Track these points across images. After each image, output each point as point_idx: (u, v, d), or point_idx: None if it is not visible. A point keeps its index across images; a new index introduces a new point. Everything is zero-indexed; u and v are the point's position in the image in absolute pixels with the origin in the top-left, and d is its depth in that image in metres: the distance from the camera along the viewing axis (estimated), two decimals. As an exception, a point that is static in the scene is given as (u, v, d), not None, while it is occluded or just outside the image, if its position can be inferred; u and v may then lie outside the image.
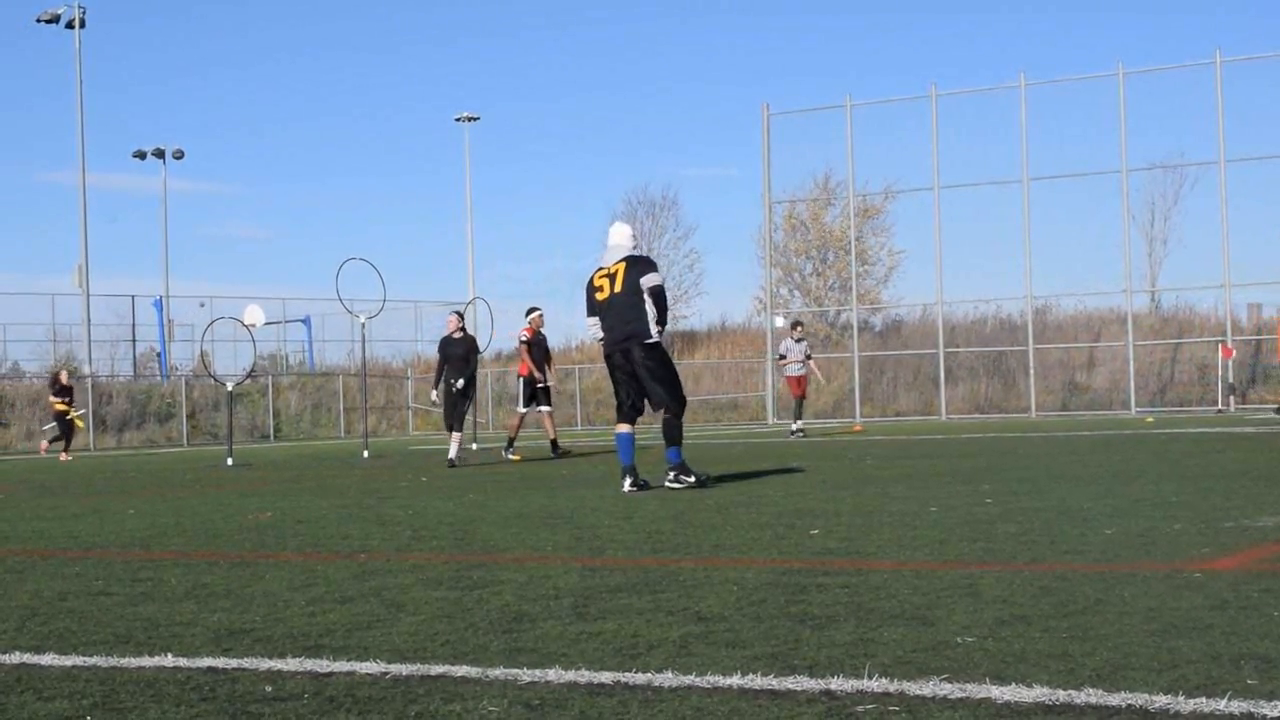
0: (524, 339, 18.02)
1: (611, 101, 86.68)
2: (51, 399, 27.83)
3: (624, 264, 10.51)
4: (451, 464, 16.07)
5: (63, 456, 26.02)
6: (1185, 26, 72.10)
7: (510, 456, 17.54)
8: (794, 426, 24.15)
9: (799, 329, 24.85)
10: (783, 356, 24.44)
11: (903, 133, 38.10)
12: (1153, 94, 35.12)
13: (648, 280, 10.43)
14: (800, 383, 24.20)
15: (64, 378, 28.13)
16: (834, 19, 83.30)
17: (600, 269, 10.66)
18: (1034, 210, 34.86)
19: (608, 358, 10.64)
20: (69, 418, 27.28)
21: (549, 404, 18.17)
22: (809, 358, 24.17)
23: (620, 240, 10.70)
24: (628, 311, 10.40)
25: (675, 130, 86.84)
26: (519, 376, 18.27)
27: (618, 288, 10.46)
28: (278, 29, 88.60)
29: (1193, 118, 34.93)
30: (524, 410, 18.20)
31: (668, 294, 10.98)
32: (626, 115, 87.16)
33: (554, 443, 18.20)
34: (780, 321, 36.35)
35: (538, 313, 18.23)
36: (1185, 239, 40.78)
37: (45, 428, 30.42)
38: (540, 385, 17.83)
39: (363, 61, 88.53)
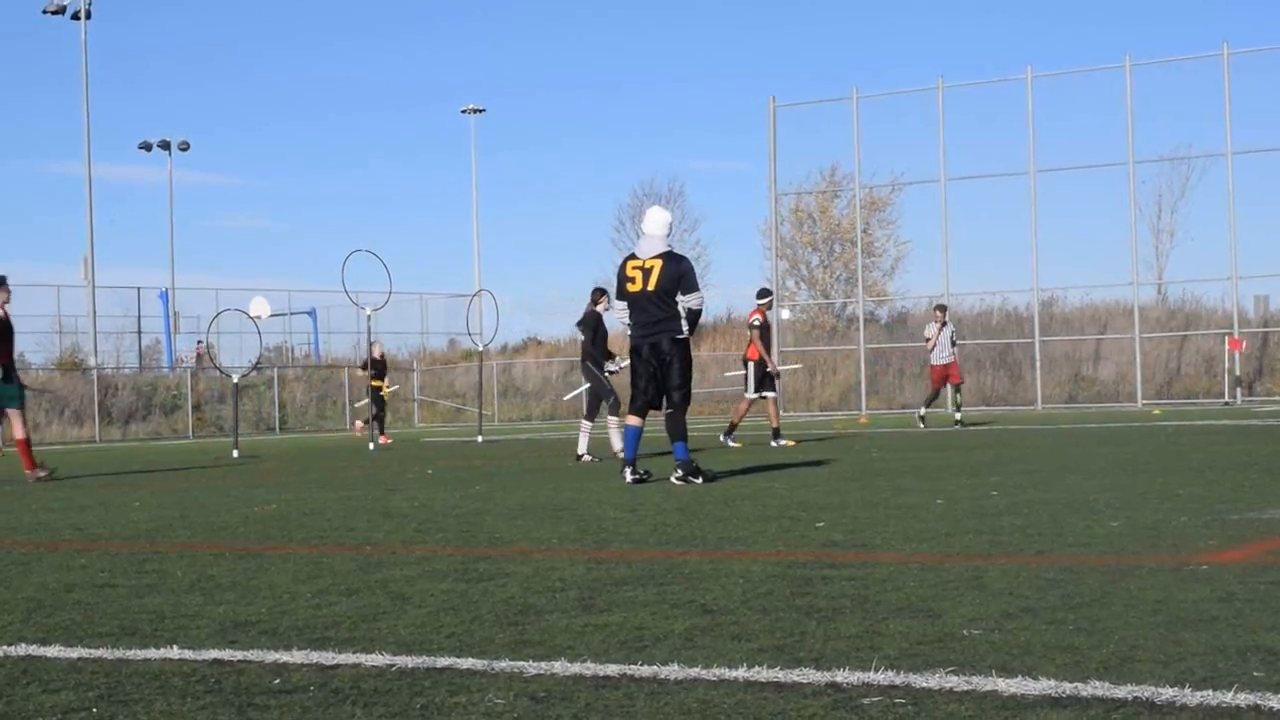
0: (757, 323, 17.24)
1: (618, 94, 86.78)
2: (364, 373, 25.76)
3: (660, 261, 10.33)
4: (581, 459, 14.68)
5: (383, 439, 23.71)
6: (1192, 19, 72.02)
7: (731, 444, 16.50)
8: (922, 412, 22.42)
9: (943, 312, 22.74)
10: (928, 340, 22.59)
11: (909, 125, 38.19)
12: (1160, 86, 35.16)
13: (688, 301, 10.30)
14: (946, 371, 22.28)
15: (376, 351, 25.89)
16: (841, 11, 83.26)
17: (634, 258, 10.49)
18: (1040, 203, 34.79)
19: (635, 350, 10.56)
20: (383, 394, 25.40)
21: (774, 390, 17.44)
22: (955, 343, 22.42)
23: (656, 229, 10.51)
24: (657, 311, 10.33)
25: (682, 122, 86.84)
26: (747, 360, 17.37)
27: (650, 285, 10.32)
28: (283, 21, 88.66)
29: (1200, 110, 34.87)
30: (754, 396, 17.17)
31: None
32: (633, 107, 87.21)
33: (776, 430, 17.16)
34: (786, 314, 36.33)
35: (770, 297, 17.71)
36: (1192, 231, 40.91)
37: (358, 405, 28.86)
38: (769, 371, 17.16)
39: (369, 54, 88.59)
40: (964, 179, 36.05)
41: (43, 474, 14.22)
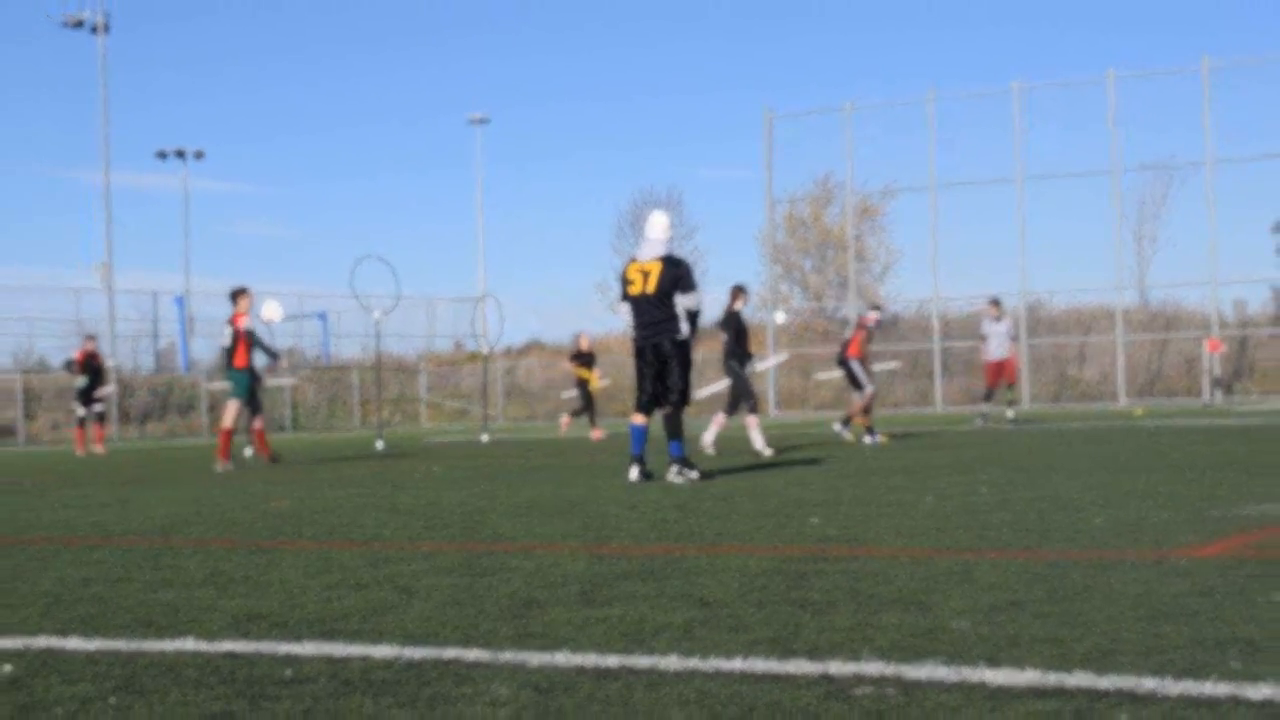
0: (870, 323, 17.24)
1: (620, 104, 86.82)
2: (571, 366, 24.02)
3: (659, 265, 10.46)
4: (704, 448, 14.54)
5: (595, 434, 22.61)
6: (1174, 32, 72.20)
7: (878, 439, 16.30)
8: (983, 409, 22.03)
9: (997, 307, 22.12)
10: (984, 338, 21.93)
11: (901, 134, 38.43)
12: (1142, 97, 35.52)
13: (686, 302, 10.38)
14: (1001, 368, 21.62)
15: (584, 343, 24.17)
16: (835, 25, 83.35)
17: (635, 261, 10.63)
18: (1028, 209, 35.12)
19: (639, 352, 10.67)
20: (592, 387, 23.56)
21: (860, 387, 16.99)
22: (1015, 339, 21.64)
23: (657, 234, 10.61)
24: (657, 313, 10.44)
25: (681, 132, 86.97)
26: (848, 359, 17.07)
27: (650, 288, 10.44)
28: (295, 34, 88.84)
29: (1181, 120, 35.33)
30: (870, 389, 16.95)
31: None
32: (634, 117, 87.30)
33: (846, 419, 17.08)
34: (781, 318, 36.30)
35: (879, 311, 17.82)
36: (1173, 237, 41.16)
37: (565, 395, 26.99)
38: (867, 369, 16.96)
39: (378, 66, 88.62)
40: (954, 185, 36.33)
41: (229, 467, 14.98)
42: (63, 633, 4.21)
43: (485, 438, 22.79)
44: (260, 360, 16.22)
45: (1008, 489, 8.36)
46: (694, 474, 10.20)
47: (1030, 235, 35.41)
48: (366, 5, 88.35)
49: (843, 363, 17.10)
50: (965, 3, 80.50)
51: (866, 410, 16.89)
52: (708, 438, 14.81)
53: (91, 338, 24.88)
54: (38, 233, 78.71)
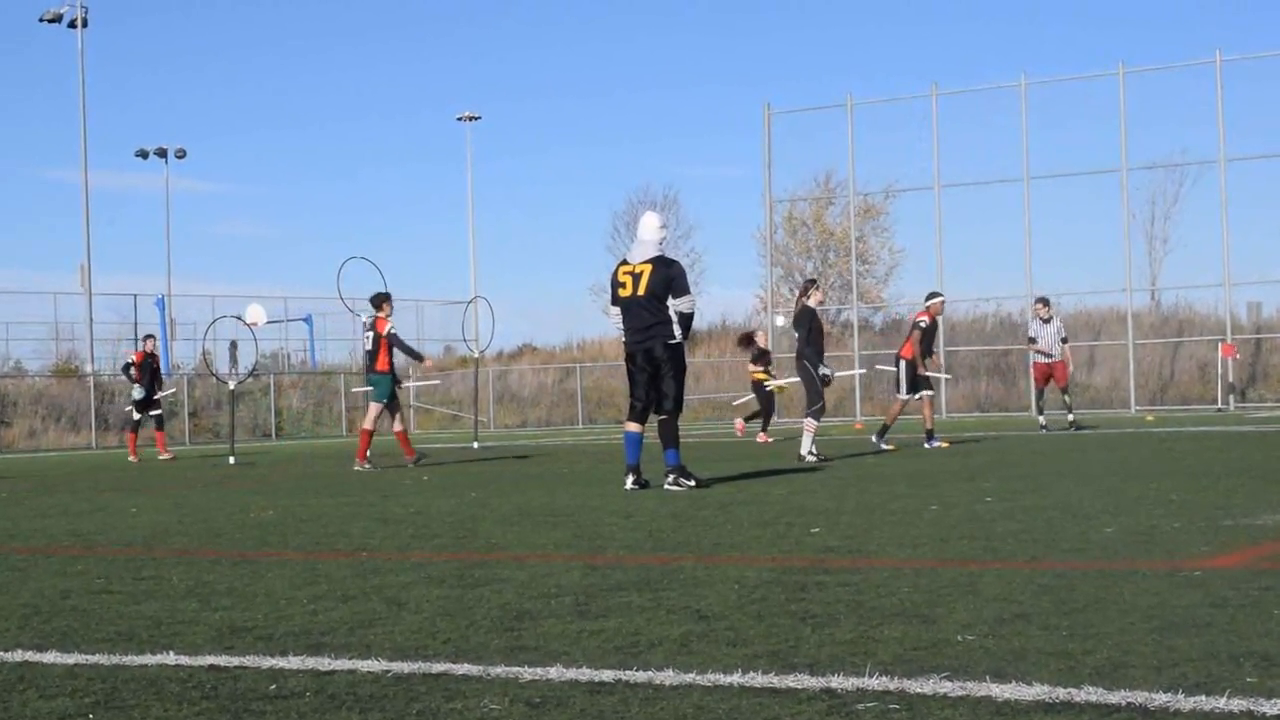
0: (923, 324, 16.61)
1: (613, 100, 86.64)
2: (750, 368, 22.27)
3: (650, 266, 10.34)
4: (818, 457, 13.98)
5: (761, 438, 20.95)
6: (1186, 26, 72.10)
7: (884, 446, 15.76)
8: (1041, 419, 20.95)
9: (1046, 307, 21.10)
10: (1032, 340, 20.96)
11: (904, 132, 38.16)
12: (1153, 93, 35.21)
13: (679, 305, 10.29)
14: (1050, 370, 20.73)
15: (761, 340, 22.66)
16: (835, 18, 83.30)
17: (626, 263, 10.51)
18: (1034, 209, 34.91)
19: (629, 356, 10.57)
20: (768, 388, 21.53)
21: (930, 390, 16.83)
22: (1065, 340, 20.57)
23: (648, 235, 10.50)
24: (648, 316, 10.33)
25: (677, 129, 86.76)
26: (900, 359, 16.63)
27: (640, 290, 10.33)
28: (279, 29, 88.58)
29: (1193, 117, 35.08)
30: (906, 397, 16.53)
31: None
32: (628, 114, 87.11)
33: (930, 432, 16.45)
34: (781, 321, 36.28)
35: (939, 299, 17.18)
36: (1185, 238, 40.81)
37: (737, 403, 25.40)
38: (921, 374, 16.50)
39: (364, 61, 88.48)
40: (958, 185, 36.15)
41: (367, 467, 15.35)
42: (41, 646, 4.19)
43: (476, 444, 22.71)
44: (399, 361, 16.67)
45: (1014, 497, 8.32)
46: (691, 483, 10.13)
47: (1037, 236, 35.11)
48: (354, 0, 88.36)
49: (898, 363, 16.68)
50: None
51: (896, 416, 16.70)
52: (804, 448, 14.12)
53: (150, 337, 23.76)
54: (12, 234, 78.55)
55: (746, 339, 22.65)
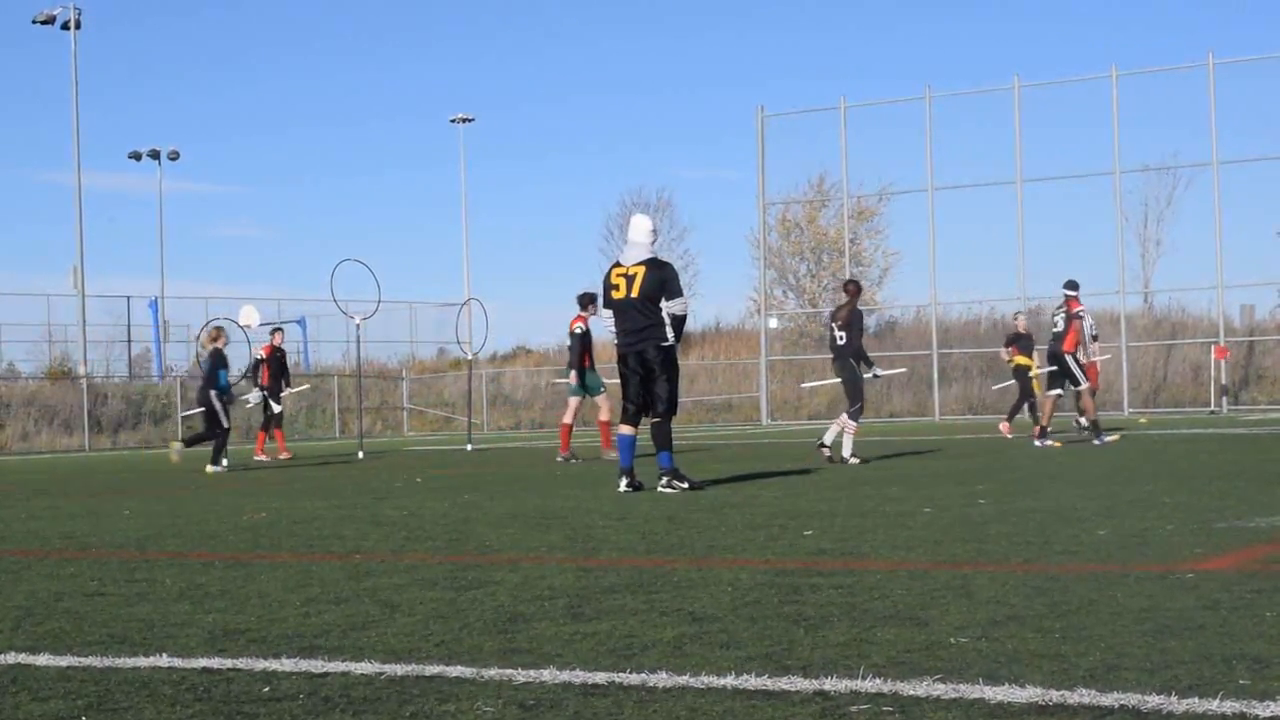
0: (1082, 314, 16.61)
1: (607, 103, 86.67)
2: (1009, 352, 20.89)
3: (643, 268, 10.34)
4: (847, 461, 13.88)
5: (1003, 426, 20.39)
6: (1179, 29, 72.24)
7: (1049, 444, 15.82)
8: (1084, 423, 19.38)
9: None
10: (1095, 337, 19.23)
11: (897, 134, 38.26)
12: (1146, 96, 35.22)
13: (672, 307, 10.27)
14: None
15: (1022, 325, 21.32)
16: (829, 21, 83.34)
17: (619, 265, 10.49)
18: (1028, 212, 34.96)
19: (622, 359, 10.57)
20: (1032, 374, 20.28)
21: (1061, 389, 16.74)
22: (1095, 338, 19.45)
23: (640, 237, 10.50)
24: (641, 318, 10.33)
25: (671, 132, 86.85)
26: (1060, 354, 16.47)
27: (633, 292, 10.32)
28: (273, 31, 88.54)
29: (1186, 119, 34.98)
30: (1054, 393, 16.51)
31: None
32: (622, 117, 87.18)
33: (1095, 424, 16.53)
34: (774, 323, 36.27)
35: (1078, 290, 16.98)
36: (1178, 240, 40.97)
37: (996, 387, 24.15)
38: (1054, 370, 16.53)
39: (358, 63, 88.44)
40: (951, 188, 36.18)
41: (574, 460, 15.96)
42: (33, 649, 4.17)
43: (469, 446, 22.70)
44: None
45: (1007, 500, 8.33)
46: (684, 485, 10.13)
47: (1030, 238, 35.26)
48: (347, 1, 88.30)
49: (1057, 358, 16.51)
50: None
51: (1050, 412, 16.58)
52: (846, 451, 14.02)
53: (279, 329, 22.30)
54: (5, 236, 78.40)
55: (1014, 336, 21.26)
